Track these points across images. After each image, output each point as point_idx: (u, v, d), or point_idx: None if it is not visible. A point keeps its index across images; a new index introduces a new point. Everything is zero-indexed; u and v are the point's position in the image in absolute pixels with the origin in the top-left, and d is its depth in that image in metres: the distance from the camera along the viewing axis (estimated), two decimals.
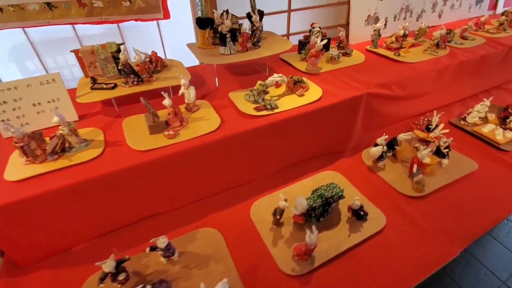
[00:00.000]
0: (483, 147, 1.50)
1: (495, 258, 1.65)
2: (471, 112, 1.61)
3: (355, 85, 1.40)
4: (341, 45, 1.70)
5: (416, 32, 1.90)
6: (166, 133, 1.07)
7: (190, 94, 1.16)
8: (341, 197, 1.13)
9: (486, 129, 1.55)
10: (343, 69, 1.57)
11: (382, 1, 1.91)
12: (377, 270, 0.97)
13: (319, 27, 1.69)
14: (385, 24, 2.01)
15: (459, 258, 1.48)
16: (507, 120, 1.59)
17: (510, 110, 1.64)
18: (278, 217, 1.06)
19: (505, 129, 1.58)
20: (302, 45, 1.69)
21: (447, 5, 2.23)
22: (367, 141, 1.53)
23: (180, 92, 1.17)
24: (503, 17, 2.10)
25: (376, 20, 1.96)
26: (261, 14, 1.47)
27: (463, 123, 1.64)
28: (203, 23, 1.35)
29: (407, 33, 1.84)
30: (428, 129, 1.48)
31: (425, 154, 1.21)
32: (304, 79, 1.40)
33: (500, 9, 2.61)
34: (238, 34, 1.35)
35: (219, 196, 1.23)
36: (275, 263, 0.98)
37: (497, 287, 1.48)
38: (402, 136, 1.35)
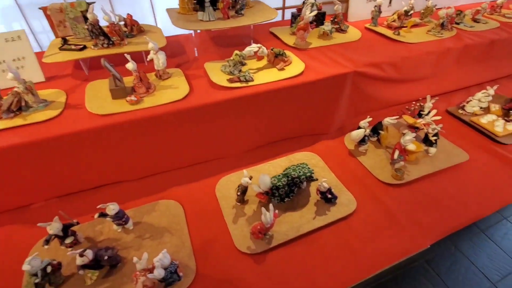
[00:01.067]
0: (479, 138, 1.38)
1: (486, 258, 1.54)
2: (470, 100, 1.49)
3: (343, 62, 1.29)
4: (335, 20, 1.57)
5: (422, 11, 1.74)
6: (128, 98, 1.01)
7: (159, 60, 1.10)
8: (311, 178, 1.07)
9: (485, 120, 1.43)
10: (335, 46, 1.46)
11: None
12: (336, 257, 0.92)
13: (315, 0, 1.57)
14: (390, 1, 1.86)
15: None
16: (510, 112, 1.46)
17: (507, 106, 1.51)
18: (238, 193, 1.01)
19: (508, 121, 1.45)
20: (295, 18, 1.57)
21: None
22: (354, 124, 1.43)
23: (149, 57, 1.10)
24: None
25: None
26: None
27: (461, 112, 1.51)
28: None
29: (411, 11, 1.69)
30: (420, 116, 1.38)
31: (408, 140, 1.12)
32: (288, 52, 1.31)
33: None
34: None
35: (185, 169, 1.18)
36: (231, 240, 0.94)
37: None
38: (387, 120, 1.25)
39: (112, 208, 0.88)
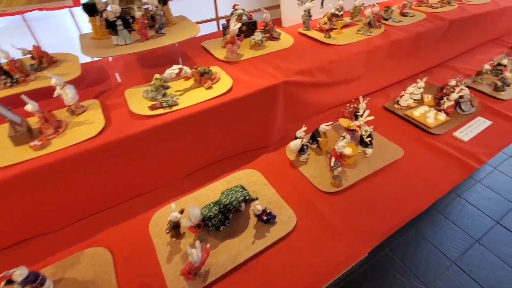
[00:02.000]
0: (414, 132, 1.43)
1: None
2: (403, 95, 1.54)
3: (273, 73, 1.27)
4: (266, 28, 1.55)
5: (352, 11, 1.77)
6: (32, 143, 0.91)
7: (67, 95, 1.00)
8: (247, 200, 1.03)
9: (417, 112, 1.48)
10: (267, 55, 1.43)
11: None
12: (280, 279, 0.89)
13: (242, 9, 1.54)
14: (322, 3, 1.88)
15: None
16: (441, 101, 1.53)
17: (445, 91, 1.58)
18: (167, 231, 0.95)
19: (439, 110, 1.52)
20: (225, 29, 1.53)
21: None
22: (295, 133, 1.43)
23: (55, 93, 1.00)
24: None
25: None
26: None
27: (396, 106, 1.56)
28: (90, 9, 1.17)
29: (341, 11, 1.72)
30: (356, 117, 1.39)
31: (342, 146, 1.12)
32: (215, 68, 1.26)
33: None
34: (132, 20, 1.18)
35: (114, 209, 1.10)
36: (164, 283, 0.88)
37: (447, 267, 1.48)
38: (322, 127, 1.25)
39: (19, 273, 0.78)
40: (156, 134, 1.04)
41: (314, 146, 1.31)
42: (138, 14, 1.17)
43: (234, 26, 1.30)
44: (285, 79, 1.24)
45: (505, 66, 1.76)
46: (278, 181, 1.19)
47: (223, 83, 1.19)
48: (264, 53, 1.45)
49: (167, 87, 1.13)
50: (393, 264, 1.45)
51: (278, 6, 1.76)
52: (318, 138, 1.28)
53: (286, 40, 1.57)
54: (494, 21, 2.09)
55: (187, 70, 1.14)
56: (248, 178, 1.19)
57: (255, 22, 1.57)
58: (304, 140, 1.22)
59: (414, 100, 1.60)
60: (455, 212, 1.81)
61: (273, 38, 1.56)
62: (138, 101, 1.10)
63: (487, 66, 1.70)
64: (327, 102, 1.51)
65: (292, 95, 1.32)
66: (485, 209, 1.85)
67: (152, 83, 1.11)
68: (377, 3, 1.70)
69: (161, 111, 1.05)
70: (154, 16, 1.21)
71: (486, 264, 1.49)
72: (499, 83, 1.65)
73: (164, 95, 1.12)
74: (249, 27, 1.57)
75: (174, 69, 1.10)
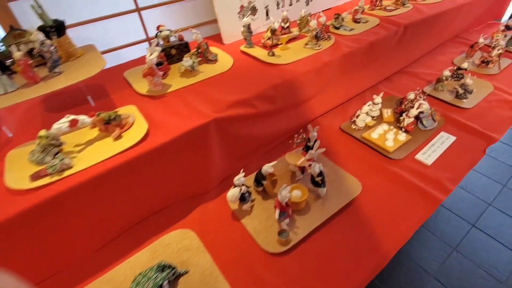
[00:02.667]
0: (373, 157, 1.27)
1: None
2: (359, 114, 1.37)
3: (202, 109, 1.06)
4: (199, 50, 1.34)
5: (298, 22, 1.59)
6: None
7: None
8: (175, 277, 0.83)
9: (376, 134, 1.33)
10: (199, 84, 1.22)
11: None
12: None
13: (169, 30, 1.32)
14: (267, 13, 1.69)
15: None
16: (400, 118, 1.38)
17: (404, 106, 1.44)
18: None
19: (400, 128, 1.37)
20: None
21: None
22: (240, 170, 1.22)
23: None
24: None
25: (254, 10, 1.62)
26: (60, 26, 1.05)
27: (353, 127, 1.40)
28: None
29: (286, 24, 1.54)
30: (308, 148, 1.21)
31: (285, 196, 0.93)
32: (129, 109, 1.04)
33: None
34: (8, 62, 0.93)
35: None
36: None
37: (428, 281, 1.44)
38: (266, 169, 1.06)
39: None
40: (44, 211, 0.80)
41: (260, 189, 1.12)
42: (17, 54, 0.92)
43: (151, 55, 1.07)
44: (216, 116, 1.04)
45: (465, 69, 1.65)
46: (216, 241, 0.98)
47: (137, 129, 0.97)
48: (197, 80, 1.23)
49: (60, 144, 0.89)
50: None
51: (216, 21, 1.55)
52: (263, 182, 1.09)
53: (224, 62, 1.36)
54: (451, 19, 1.99)
55: (84, 120, 0.91)
56: (179, 243, 0.97)
57: (186, 43, 1.35)
58: (244, 187, 1.02)
59: (373, 117, 1.45)
60: (431, 219, 1.72)
61: (209, 60, 1.35)
62: (20, 167, 0.86)
63: (446, 73, 1.58)
64: (275, 132, 1.32)
65: (228, 131, 1.12)
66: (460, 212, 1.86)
67: (36, 142, 0.87)
68: (322, 12, 1.53)
69: (46, 180, 0.82)
70: (43, 54, 0.97)
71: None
72: (461, 90, 1.53)
73: (57, 154, 0.88)
74: (180, 50, 1.36)
75: (63, 123, 0.87)
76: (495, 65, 1.78)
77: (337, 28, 1.64)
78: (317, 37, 1.42)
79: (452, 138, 1.32)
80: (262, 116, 1.20)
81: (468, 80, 1.49)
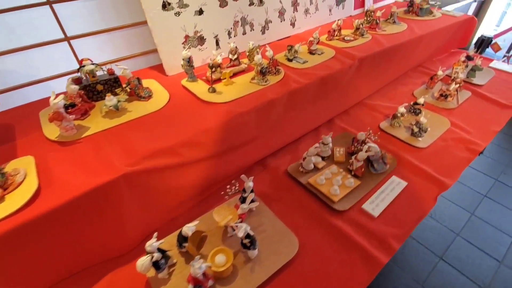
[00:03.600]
0: (316, 207, 1.15)
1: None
2: (305, 157, 1.27)
3: (114, 160, 0.92)
4: (129, 86, 1.21)
5: (247, 54, 1.50)
6: None
7: None
8: None
9: (322, 179, 1.21)
10: (122, 126, 1.08)
11: (203, 16, 1.48)
12: None
13: (94, 64, 1.19)
14: (218, 42, 1.59)
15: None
16: (350, 160, 1.29)
17: (353, 147, 1.35)
18: None
19: (350, 171, 1.28)
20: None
21: (299, 11, 1.90)
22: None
23: None
24: (358, 21, 1.83)
25: (201, 40, 1.52)
26: None
27: (301, 170, 1.29)
28: None
29: (235, 55, 1.44)
30: (243, 200, 1.09)
31: (197, 271, 0.80)
32: (20, 162, 0.89)
33: (369, 5, 2.40)
34: None
35: None
36: None
37: None
38: (186, 231, 0.92)
39: None
40: None
41: (184, 250, 0.98)
42: None
43: (55, 99, 0.94)
44: (127, 170, 0.90)
45: (422, 105, 1.60)
46: None
47: (24, 190, 0.82)
48: (121, 122, 1.10)
49: None
50: None
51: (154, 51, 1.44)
52: (184, 244, 0.95)
53: (158, 99, 1.24)
54: (412, 50, 1.96)
55: None
56: None
57: (116, 78, 1.23)
58: (157, 254, 0.88)
59: (323, 157, 1.35)
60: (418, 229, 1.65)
61: (140, 98, 1.23)
62: None
63: (401, 109, 1.51)
64: (211, 178, 1.19)
65: (147, 184, 0.98)
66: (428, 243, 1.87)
67: None
68: (282, 39, 1.44)
69: None
70: None
71: None
72: (415, 129, 1.46)
73: None
74: (108, 86, 1.23)
75: None
76: (453, 98, 1.74)
77: (290, 60, 1.56)
78: (262, 73, 1.32)
79: (403, 184, 1.23)
80: (190, 164, 1.08)
81: (422, 119, 1.42)
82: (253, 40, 1.72)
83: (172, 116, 1.15)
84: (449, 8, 3.45)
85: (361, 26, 1.81)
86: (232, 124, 1.16)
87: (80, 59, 1.40)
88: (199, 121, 1.12)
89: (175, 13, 1.38)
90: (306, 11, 1.94)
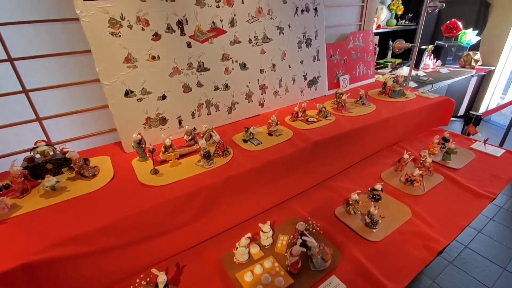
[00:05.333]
0: None
1: None
2: (237, 247, 1.21)
3: (19, 247, 0.94)
4: (73, 166, 1.30)
5: (202, 136, 1.59)
6: None
7: None
8: None
9: (249, 276, 1.13)
10: (50, 208, 1.12)
11: (166, 100, 1.63)
12: None
13: (48, 145, 1.30)
14: (180, 122, 1.71)
15: None
16: (286, 254, 1.20)
17: (296, 235, 1.28)
18: None
19: (287, 267, 1.18)
20: (27, 167, 1.26)
21: (267, 93, 2.04)
22: None
23: None
24: (320, 105, 1.91)
25: (163, 121, 1.65)
26: None
27: (235, 260, 1.22)
28: None
29: (190, 137, 1.53)
30: None
31: None
32: None
33: (344, 87, 2.53)
34: None
35: None
36: None
37: None
38: None
39: None
40: None
41: None
42: None
43: None
44: (29, 260, 0.90)
45: (381, 191, 1.53)
46: None
47: None
48: (52, 202, 1.14)
49: None
50: None
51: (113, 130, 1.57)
52: None
53: (100, 180, 1.29)
54: (379, 131, 1.97)
55: None
56: None
57: (65, 158, 1.32)
58: None
59: (265, 246, 1.28)
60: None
61: (84, 177, 1.30)
62: None
63: (354, 196, 1.45)
64: (130, 268, 1.15)
65: (55, 274, 0.96)
66: None
67: None
68: (212, 129, 1.51)
69: None
70: None
71: None
72: (367, 219, 1.37)
73: None
74: (58, 165, 1.32)
75: None
76: (420, 184, 1.65)
77: (246, 142, 1.61)
78: (205, 157, 1.37)
79: (342, 287, 1.11)
80: (105, 252, 1.06)
81: (372, 209, 1.35)
82: (219, 119, 1.84)
83: (104, 198, 1.19)
84: (445, 83, 3.56)
85: (323, 109, 1.89)
86: (162, 209, 1.17)
87: (50, 137, 1.56)
88: (128, 204, 1.14)
89: (137, 99, 1.53)
90: (276, 93, 2.08)
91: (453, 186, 1.71)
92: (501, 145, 2.94)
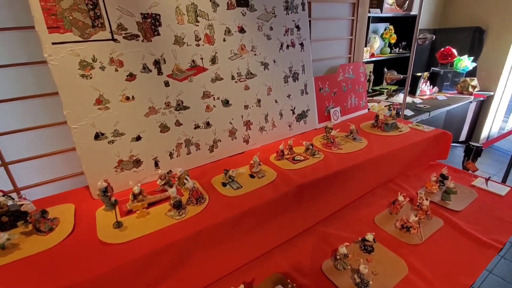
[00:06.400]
0: None
1: None
2: None
3: None
4: (28, 220, 1.18)
5: (177, 181, 1.48)
6: None
7: None
8: None
9: None
10: (1, 269, 1.01)
11: (141, 141, 1.54)
12: None
13: (5, 195, 1.20)
14: (157, 163, 1.61)
15: None
16: None
17: None
18: None
19: None
20: None
21: (252, 129, 1.95)
22: None
23: None
24: (307, 143, 1.81)
25: (137, 163, 1.55)
26: None
27: None
28: None
29: (163, 181, 1.42)
30: None
31: None
32: None
33: (336, 119, 2.44)
34: None
35: None
36: None
37: None
38: None
39: None
40: None
41: None
42: None
43: None
44: None
45: (374, 241, 1.38)
46: None
47: None
48: (1, 263, 1.02)
49: None
50: None
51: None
52: None
53: (57, 235, 1.17)
54: (371, 169, 1.85)
55: None
56: None
57: (18, 211, 1.21)
58: None
59: None
60: None
61: (40, 232, 1.18)
62: None
63: (342, 250, 1.29)
64: None
65: None
66: None
67: None
68: (187, 173, 1.41)
69: None
70: None
71: None
72: (357, 279, 1.21)
73: None
74: (15, 217, 1.21)
75: None
76: (418, 231, 1.50)
77: (224, 185, 1.50)
78: (176, 207, 1.25)
79: None
80: None
81: (362, 268, 1.19)
82: (201, 159, 1.74)
83: (57, 258, 1.06)
84: (442, 110, 3.47)
85: (310, 147, 1.79)
86: (124, 270, 1.04)
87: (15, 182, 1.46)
88: (84, 267, 1.01)
89: (108, 141, 1.45)
90: (262, 128, 2.00)
91: (454, 232, 1.55)
92: (504, 179, 2.77)
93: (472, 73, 4.29)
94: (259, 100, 1.94)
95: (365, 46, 3.65)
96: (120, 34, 1.41)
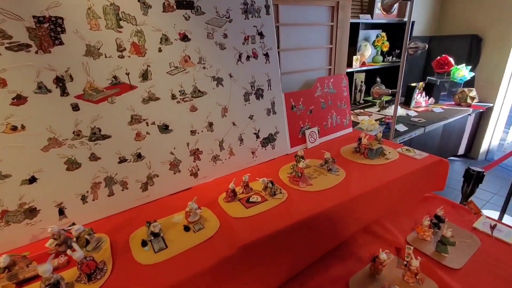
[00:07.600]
0: None
1: None
2: None
3: None
4: None
5: (75, 239, 1.09)
6: None
7: None
8: None
9: None
10: None
11: (36, 184, 1.16)
12: None
13: None
14: (62, 212, 1.23)
15: None
16: None
17: None
18: None
19: None
20: None
21: (203, 159, 1.57)
22: None
23: None
24: (265, 180, 1.43)
25: (32, 213, 1.17)
26: None
27: None
28: None
29: (60, 241, 1.04)
30: None
31: None
32: None
33: (312, 142, 2.07)
34: None
35: None
36: None
37: None
38: None
39: None
40: None
41: None
42: None
43: None
44: None
45: None
46: None
47: None
48: None
49: None
50: None
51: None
52: None
53: None
54: (347, 212, 1.47)
55: None
56: None
57: None
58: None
59: None
60: None
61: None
62: None
63: None
64: None
65: None
66: None
67: None
68: (85, 229, 1.03)
69: None
70: None
71: None
72: None
73: None
74: None
75: None
76: None
77: (144, 245, 1.12)
78: (54, 285, 0.87)
79: None
80: None
81: None
82: (130, 201, 1.37)
83: None
84: (439, 125, 3.11)
85: (269, 185, 1.41)
86: None
87: None
88: None
89: None
90: (215, 158, 1.62)
91: None
92: (502, 211, 2.40)
93: (469, 83, 3.95)
94: (210, 124, 1.57)
95: (355, 54, 3.33)
96: (1, 44, 1.04)
